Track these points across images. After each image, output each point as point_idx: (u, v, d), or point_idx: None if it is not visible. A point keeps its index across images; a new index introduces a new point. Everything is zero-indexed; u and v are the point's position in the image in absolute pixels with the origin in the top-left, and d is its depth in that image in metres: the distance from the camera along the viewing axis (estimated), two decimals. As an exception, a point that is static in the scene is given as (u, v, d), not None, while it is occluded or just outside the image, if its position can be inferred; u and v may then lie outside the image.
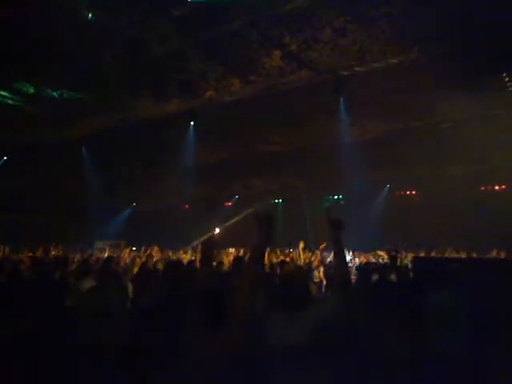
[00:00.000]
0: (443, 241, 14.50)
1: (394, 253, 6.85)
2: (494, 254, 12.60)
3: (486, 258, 10.14)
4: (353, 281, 4.76)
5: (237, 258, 7.15)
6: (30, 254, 10.04)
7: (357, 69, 10.49)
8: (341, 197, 22.57)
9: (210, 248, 3.51)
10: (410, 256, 10.91)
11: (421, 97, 11.64)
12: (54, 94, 11.46)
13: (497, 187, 18.77)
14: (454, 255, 13.10)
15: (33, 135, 14.35)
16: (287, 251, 12.12)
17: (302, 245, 9.23)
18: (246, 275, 2.40)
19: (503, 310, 2.92)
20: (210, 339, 2.33)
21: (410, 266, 7.58)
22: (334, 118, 12.58)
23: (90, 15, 8.68)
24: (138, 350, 2.58)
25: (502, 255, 12.25)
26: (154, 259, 9.83)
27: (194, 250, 13.07)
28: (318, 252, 9.34)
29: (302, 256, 9.02)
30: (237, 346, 2.25)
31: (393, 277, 5.88)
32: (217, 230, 13.68)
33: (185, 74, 10.87)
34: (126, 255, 10.04)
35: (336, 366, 2.50)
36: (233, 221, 18.33)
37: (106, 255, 11.11)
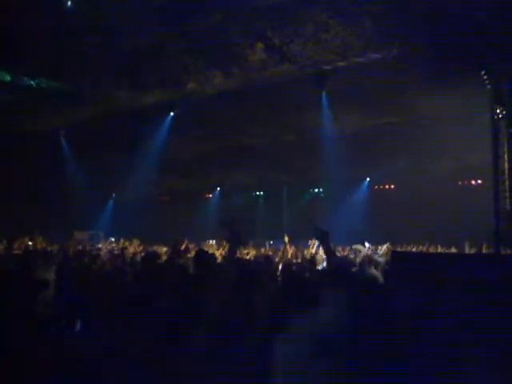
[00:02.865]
0: (420, 235, 14.74)
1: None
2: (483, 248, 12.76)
3: (465, 254, 10.37)
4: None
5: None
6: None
7: (339, 64, 10.52)
8: (321, 190, 22.72)
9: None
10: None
11: (401, 93, 11.76)
12: (32, 82, 11.22)
13: (473, 182, 19.15)
14: (432, 250, 13.35)
15: (10, 124, 14.06)
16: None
17: (286, 239, 9.27)
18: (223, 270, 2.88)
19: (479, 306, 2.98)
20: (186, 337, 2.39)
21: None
22: (315, 112, 12.61)
23: (69, 3, 8.53)
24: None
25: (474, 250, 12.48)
26: (132, 251, 9.81)
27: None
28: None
29: (289, 251, 9.03)
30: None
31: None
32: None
33: (166, 66, 10.77)
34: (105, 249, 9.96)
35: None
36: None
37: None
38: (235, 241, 3.02)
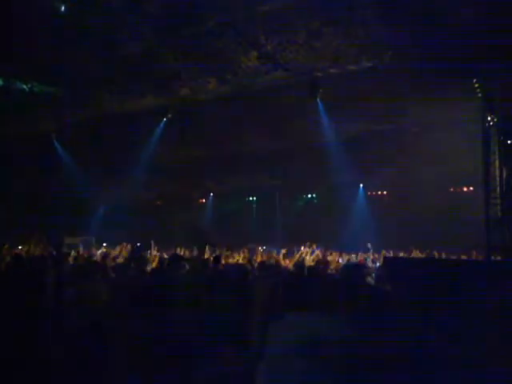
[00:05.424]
0: (412, 242, 14.77)
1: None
2: (473, 254, 12.85)
3: (456, 259, 10.40)
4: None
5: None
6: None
7: (331, 71, 10.58)
8: (314, 195, 22.72)
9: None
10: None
11: (392, 100, 11.83)
12: (24, 86, 11.18)
13: (465, 189, 19.24)
14: (424, 256, 13.38)
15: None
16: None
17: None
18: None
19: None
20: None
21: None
22: (308, 118, 12.65)
23: (62, 8, 8.51)
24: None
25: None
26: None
27: None
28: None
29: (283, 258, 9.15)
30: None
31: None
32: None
33: (160, 71, 10.77)
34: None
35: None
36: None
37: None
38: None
